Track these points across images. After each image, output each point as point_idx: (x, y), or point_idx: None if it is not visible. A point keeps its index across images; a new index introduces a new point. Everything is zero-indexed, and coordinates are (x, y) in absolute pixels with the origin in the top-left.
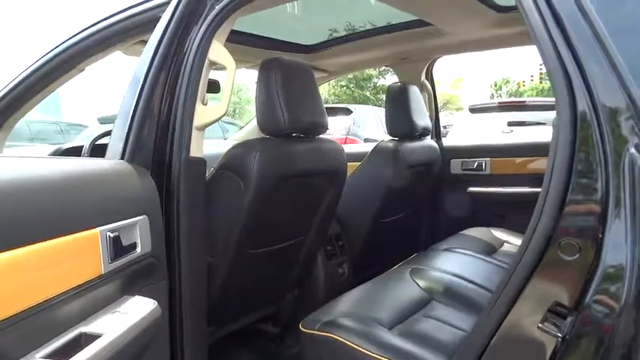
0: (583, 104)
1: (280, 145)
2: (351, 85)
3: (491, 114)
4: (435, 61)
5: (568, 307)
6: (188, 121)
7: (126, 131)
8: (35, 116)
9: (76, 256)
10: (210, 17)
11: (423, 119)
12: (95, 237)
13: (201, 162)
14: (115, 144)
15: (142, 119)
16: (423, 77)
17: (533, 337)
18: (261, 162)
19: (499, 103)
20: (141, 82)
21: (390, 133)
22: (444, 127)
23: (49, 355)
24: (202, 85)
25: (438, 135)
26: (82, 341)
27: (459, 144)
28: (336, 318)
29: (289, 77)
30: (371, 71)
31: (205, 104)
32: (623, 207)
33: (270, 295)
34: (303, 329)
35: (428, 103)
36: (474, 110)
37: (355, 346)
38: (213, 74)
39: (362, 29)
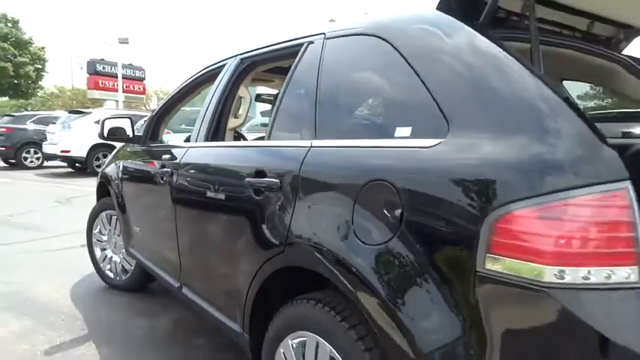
0: None
1: None
2: None
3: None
4: None
5: None
6: (224, 125)
7: (199, 127)
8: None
9: None
10: (237, 74)
11: None
12: None
13: None
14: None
15: (206, 121)
16: None
17: None
18: None
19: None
20: (208, 102)
21: None
22: None
23: None
24: (234, 107)
25: None
26: None
27: None
28: None
29: None
30: None
31: (236, 117)
32: None
33: None
34: None
35: None
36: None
37: None
38: None
39: None
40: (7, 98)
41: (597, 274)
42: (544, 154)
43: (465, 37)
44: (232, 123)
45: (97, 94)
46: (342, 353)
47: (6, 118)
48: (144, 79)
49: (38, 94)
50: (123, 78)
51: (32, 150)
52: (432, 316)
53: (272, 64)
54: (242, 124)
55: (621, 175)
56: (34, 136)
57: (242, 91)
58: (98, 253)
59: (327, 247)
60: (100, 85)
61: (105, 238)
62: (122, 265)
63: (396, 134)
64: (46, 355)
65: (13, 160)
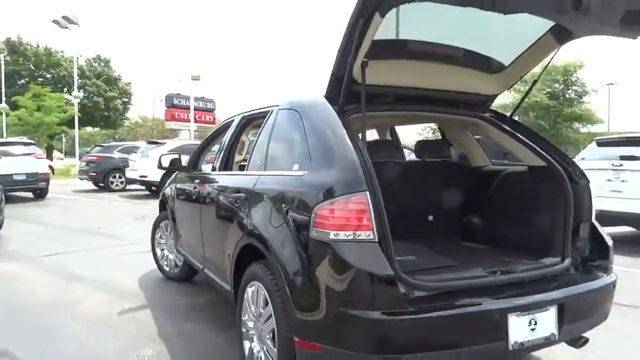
0: None
1: None
2: None
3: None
4: None
5: None
6: (233, 159)
7: (218, 160)
8: None
9: None
10: (240, 126)
11: None
12: None
13: None
14: (215, 163)
15: (222, 156)
16: None
17: None
18: None
19: (627, 137)
20: (223, 144)
21: None
22: None
23: None
24: (239, 147)
25: None
26: None
27: None
28: None
29: None
30: None
31: (240, 154)
32: None
33: None
34: None
35: None
36: (600, 144)
37: None
38: None
39: None
40: (98, 129)
41: (353, 235)
42: (336, 179)
43: (325, 114)
44: (237, 158)
45: (172, 124)
46: (267, 289)
47: (97, 148)
48: (214, 110)
49: (125, 124)
50: (195, 110)
51: (117, 175)
52: (295, 261)
53: (260, 121)
54: (244, 159)
55: (364, 188)
56: (119, 163)
57: (244, 137)
58: (158, 252)
59: (258, 231)
60: (176, 116)
61: (163, 241)
62: (175, 262)
63: (293, 168)
64: (118, 315)
65: (102, 184)
